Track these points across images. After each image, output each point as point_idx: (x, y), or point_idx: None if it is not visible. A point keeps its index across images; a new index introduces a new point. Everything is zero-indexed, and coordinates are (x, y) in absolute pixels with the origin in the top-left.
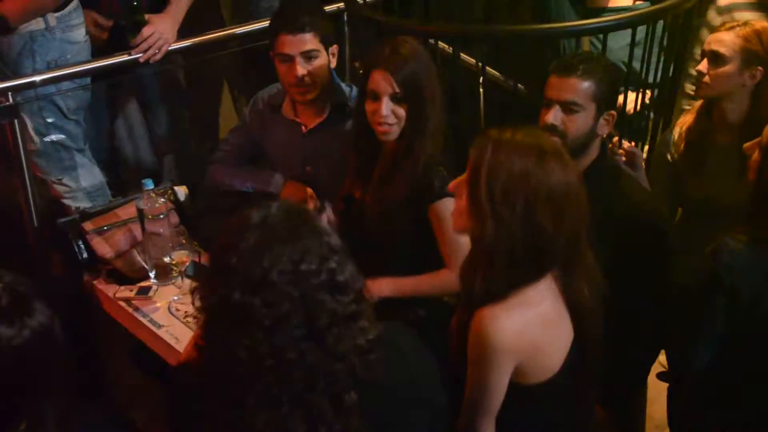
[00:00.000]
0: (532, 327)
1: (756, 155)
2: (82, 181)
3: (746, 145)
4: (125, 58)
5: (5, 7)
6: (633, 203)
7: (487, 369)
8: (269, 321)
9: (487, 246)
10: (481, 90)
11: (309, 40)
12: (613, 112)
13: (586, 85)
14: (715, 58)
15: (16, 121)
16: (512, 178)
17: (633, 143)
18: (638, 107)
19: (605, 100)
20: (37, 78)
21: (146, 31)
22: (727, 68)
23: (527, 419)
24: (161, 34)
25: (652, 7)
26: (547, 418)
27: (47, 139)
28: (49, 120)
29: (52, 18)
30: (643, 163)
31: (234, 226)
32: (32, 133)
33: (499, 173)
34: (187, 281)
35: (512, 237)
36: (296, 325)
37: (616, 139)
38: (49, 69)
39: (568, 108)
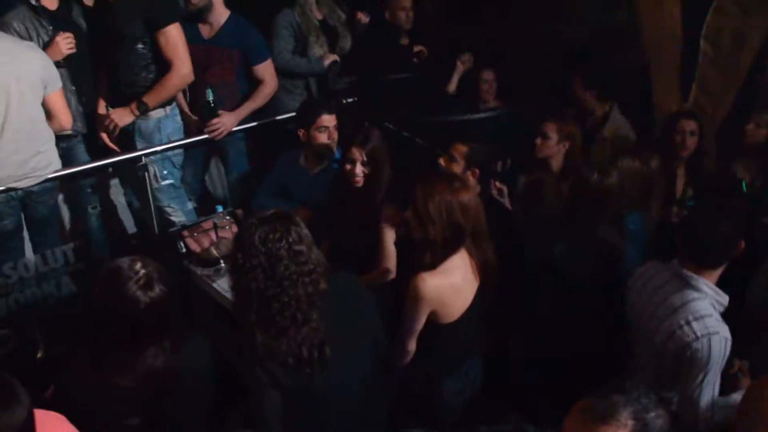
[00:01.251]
0: (444, 289)
1: (567, 192)
2: (180, 207)
3: (561, 186)
4: (203, 137)
5: (149, 99)
6: (504, 217)
7: (413, 309)
8: (248, 268)
9: (426, 239)
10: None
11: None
12: (476, 169)
13: (464, 150)
14: (545, 137)
15: (146, 172)
16: (436, 200)
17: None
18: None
19: (472, 160)
20: (159, 147)
21: (213, 121)
22: (551, 142)
23: (441, 343)
24: (223, 124)
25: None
26: (455, 342)
27: (164, 182)
28: (165, 171)
29: (168, 109)
30: (506, 194)
31: (248, 218)
32: (156, 178)
33: (429, 199)
34: None
35: (440, 231)
36: (262, 270)
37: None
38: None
39: (451, 158)
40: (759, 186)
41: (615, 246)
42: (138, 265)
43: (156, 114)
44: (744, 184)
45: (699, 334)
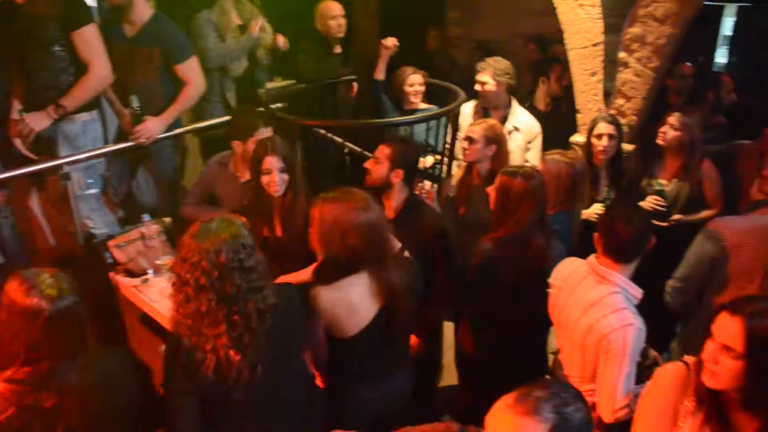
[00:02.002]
0: (337, 304)
1: (493, 194)
2: (100, 218)
3: (488, 188)
4: (129, 144)
5: (67, 101)
6: (432, 221)
7: (310, 320)
8: (198, 289)
9: (326, 257)
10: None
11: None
12: (400, 170)
13: (388, 151)
14: (471, 141)
15: (68, 182)
16: (332, 222)
17: (431, 185)
18: (433, 164)
19: (396, 161)
20: (82, 155)
21: (138, 127)
22: (478, 146)
23: (335, 358)
24: (148, 130)
25: (439, 110)
26: (360, 357)
27: (87, 191)
28: (89, 180)
29: (94, 113)
30: (435, 197)
31: (189, 232)
32: (77, 188)
33: (327, 219)
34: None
35: (337, 252)
36: (214, 291)
37: (425, 183)
38: (90, 149)
39: (376, 161)
40: (674, 186)
41: (541, 245)
42: (44, 276)
43: (81, 117)
44: (659, 184)
45: (615, 326)
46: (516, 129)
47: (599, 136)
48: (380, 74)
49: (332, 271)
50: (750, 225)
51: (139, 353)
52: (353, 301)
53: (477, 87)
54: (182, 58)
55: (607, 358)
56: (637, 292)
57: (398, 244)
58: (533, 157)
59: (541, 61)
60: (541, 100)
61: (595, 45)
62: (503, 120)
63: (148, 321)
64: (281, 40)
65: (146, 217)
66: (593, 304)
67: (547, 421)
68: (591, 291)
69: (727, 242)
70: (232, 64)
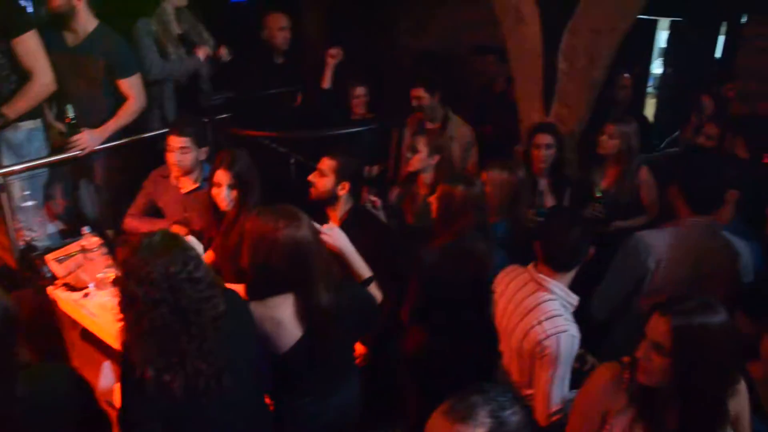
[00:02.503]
0: (266, 321)
1: (435, 203)
2: (42, 229)
3: (430, 198)
4: (71, 154)
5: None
6: (379, 229)
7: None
8: (150, 303)
9: (252, 276)
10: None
11: (185, 141)
12: (346, 183)
13: (333, 164)
14: (414, 150)
15: (4, 193)
16: (257, 240)
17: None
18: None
19: (342, 174)
20: (18, 167)
21: (74, 138)
22: (421, 155)
23: (277, 374)
24: (85, 142)
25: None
26: (294, 373)
27: (26, 203)
28: (28, 192)
29: (39, 121)
30: (381, 207)
31: (132, 247)
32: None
33: (252, 238)
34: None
35: (260, 271)
36: (167, 304)
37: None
38: (32, 158)
39: (321, 173)
40: (613, 193)
41: (483, 253)
42: None
43: (26, 125)
44: (598, 191)
45: (549, 332)
46: (451, 138)
47: (538, 146)
48: (327, 83)
49: (259, 289)
50: (670, 238)
51: (81, 370)
52: (281, 319)
53: (413, 102)
54: (127, 73)
55: (541, 363)
56: (574, 300)
57: (338, 265)
58: (472, 165)
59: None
60: None
61: (536, 55)
62: (440, 131)
63: (89, 337)
64: (223, 52)
65: (87, 229)
66: (530, 310)
67: (483, 426)
68: (528, 298)
69: (650, 257)
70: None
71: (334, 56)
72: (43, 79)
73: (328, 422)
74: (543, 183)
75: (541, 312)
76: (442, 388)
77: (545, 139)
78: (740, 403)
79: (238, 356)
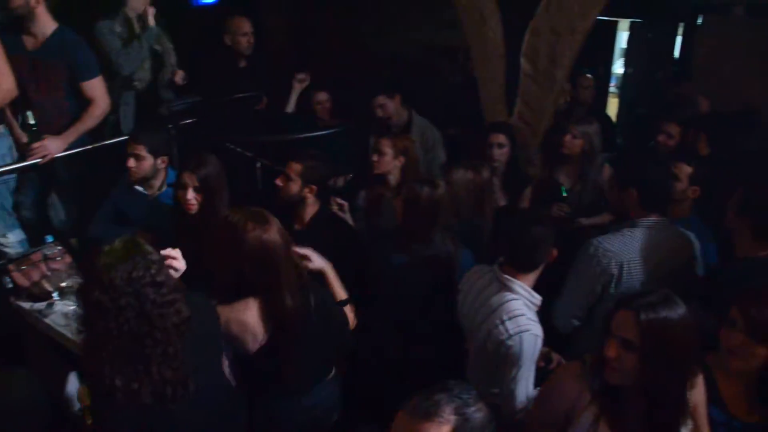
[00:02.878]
0: (232, 324)
1: (400, 205)
2: (13, 236)
3: (395, 200)
4: (34, 161)
5: None
6: (345, 231)
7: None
8: (114, 310)
9: (219, 278)
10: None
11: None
12: (314, 186)
13: (299, 168)
14: (380, 153)
15: None
16: (225, 243)
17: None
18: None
19: (308, 178)
20: None
21: (35, 145)
22: (387, 158)
23: (248, 374)
24: (46, 148)
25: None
26: (263, 374)
27: None
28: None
29: (2, 127)
30: (347, 209)
31: (94, 254)
32: None
33: (221, 241)
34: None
35: (228, 274)
36: (131, 309)
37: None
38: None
39: (288, 177)
40: (577, 192)
41: (450, 254)
42: None
43: None
44: (564, 190)
45: (512, 332)
46: (415, 140)
47: (491, 145)
48: (290, 107)
49: (226, 292)
50: (629, 240)
51: (45, 378)
52: (247, 322)
53: (377, 111)
54: (89, 76)
55: (505, 362)
56: (537, 300)
57: (307, 266)
58: (437, 166)
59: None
60: None
61: (498, 56)
62: (405, 133)
63: (54, 347)
64: (179, 76)
65: (49, 238)
66: (494, 310)
67: (447, 423)
68: (492, 297)
69: (612, 262)
70: (138, 74)
71: (301, 81)
72: (4, 85)
73: (303, 422)
74: (495, 182)
75: (504, 311)
76: (412, 389)
77: (498, 138)
78: (698, 394)
79: (204, 360)
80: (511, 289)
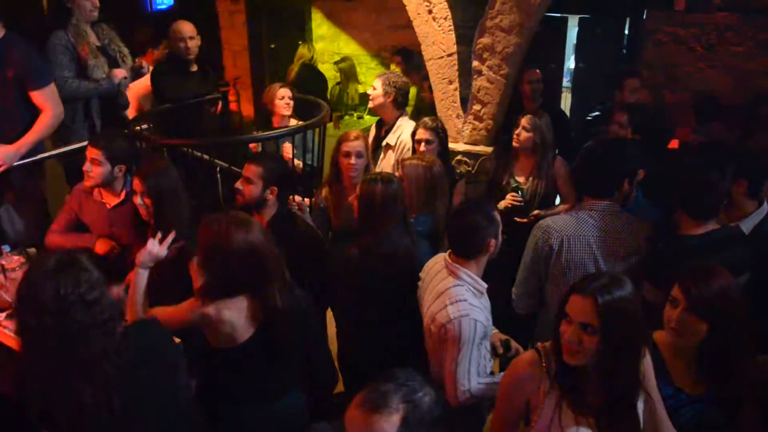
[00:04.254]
0: (222, 319)
1: (356, 202)
2: None
3: (350, 198)
4: None
5: None
6: (305, 231)
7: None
8: (38, 329)
9: (206, 279)
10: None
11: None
12: (274, 187)
13: (259, 170)
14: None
15: None
16: (210, 248)
17: (300, 196)
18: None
19: (269, 179)
20: None
21: None
22: (363, 161)
23: (224, 375)
24: None
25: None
26: (236, 369)
27: None
28: None
29: None
30: (307, 209)
31: (29, 270)
32: None
33: (205, 246)
34: None
35: (216, 276)
36: (56, 329)
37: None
38: None
39: (248, 180)
40: (530, 184)
41: (408, 248)
42: None
43: None
44: (515, 183)
45: (452, 316)
46: (389, 146)
47: (419, 141)
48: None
49: (215, 292)
50: (572, 220)
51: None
52: (234, 320)
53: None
54: (39, 85)
55: (445, 346)
56: (482, 286)
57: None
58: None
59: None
60: None
61: (449, 55)
62: (386, 133)
63: (15, 358)
64: (143, 63)
65: (6, 248)
66: (439, 294)
67: (397, 412)
68: (440, 283)
69: (552, 237)
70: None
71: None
72: None
73: (274, 428)
74: None
75: (448, 296)
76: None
77: (424, 134)
78: (646, 364)
79: (142, 382)
80: (456, 276)
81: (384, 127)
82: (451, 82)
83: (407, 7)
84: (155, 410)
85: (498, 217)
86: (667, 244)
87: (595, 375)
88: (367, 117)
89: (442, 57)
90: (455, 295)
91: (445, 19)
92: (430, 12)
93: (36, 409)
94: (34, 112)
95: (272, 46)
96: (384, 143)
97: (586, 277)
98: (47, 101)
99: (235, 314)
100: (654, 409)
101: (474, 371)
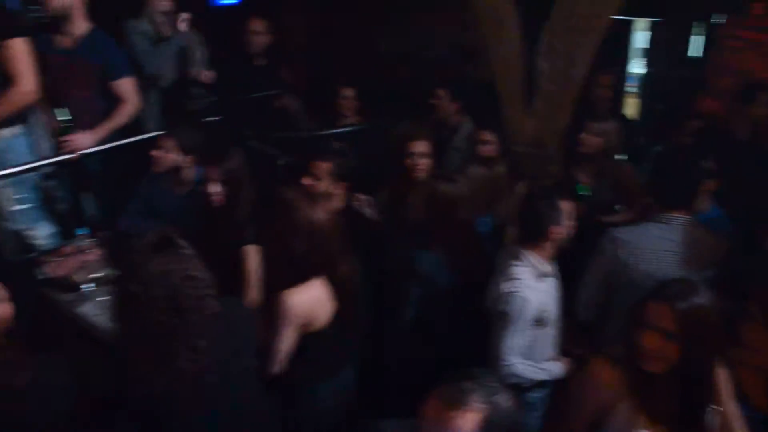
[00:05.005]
0: (309, 302)
1: (423, 202)
2: (41, 231)
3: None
4: (61, 158)
5: None
6: (370, 227)
7: (284, 328)
8: (148, 302)
9: (280, 261)
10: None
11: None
12: (343, 183)
13: (328, 166)
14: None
15: None
16: (298, 221)
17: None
18: None
19: (338, 175)
20: (12, 170)
21: (64, 137)
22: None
23: (311, 351)
24: (75, 143)
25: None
26: (324, 349)
27: (19, 207)
28: (21, 195)
29: (21, 127)
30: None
31: (129, 247)
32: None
33: (289, 219)
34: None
35: (304, 252)
36: (165, 302)
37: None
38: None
39: (315, 176)
40: (595, 190)
41: (476, 246)
42: None
43: (5, 132)
44: (580, 188)
45: (504, 291)
46: (453, 148)
47: (480, 143)
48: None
49: (298, 273)
50: (645, 232)
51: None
52: (319, 294)
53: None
54: (120, 75)
55: (497, 319)
56: (545, 269)
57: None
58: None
59: None
60: None
61: (515, 56)
62: (451, 135)
63: (87, 337)
64: (205, 75)
65: (82, 230)
66: (502, 273)
67: (476, 411)
68: (502, 265)
69: (624, 251)
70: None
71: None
72: (26, 87)
73: (331, 407)
74: None
75: (505, 274)
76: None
77: (486, 136)
78: (722, 379)
79: (230, 357)
80: (518, 257)
81: (447, 129)
82: (516, 85)
83: (474, 8)
84: (237, 379)
85: (564, 206)
86: (747, 259)
87: (671, 382)
88: None
89: (509, 59)
90: (513, 273)
91: (513, 19)
92: (497, 12)
93: (137, 378)
94: (109, 103)
95: None
96: (448, 144)
97: (663, 284)
98: (127, 92)
99: (317, 297)
100: (728, 423)
101: (517, 350)
